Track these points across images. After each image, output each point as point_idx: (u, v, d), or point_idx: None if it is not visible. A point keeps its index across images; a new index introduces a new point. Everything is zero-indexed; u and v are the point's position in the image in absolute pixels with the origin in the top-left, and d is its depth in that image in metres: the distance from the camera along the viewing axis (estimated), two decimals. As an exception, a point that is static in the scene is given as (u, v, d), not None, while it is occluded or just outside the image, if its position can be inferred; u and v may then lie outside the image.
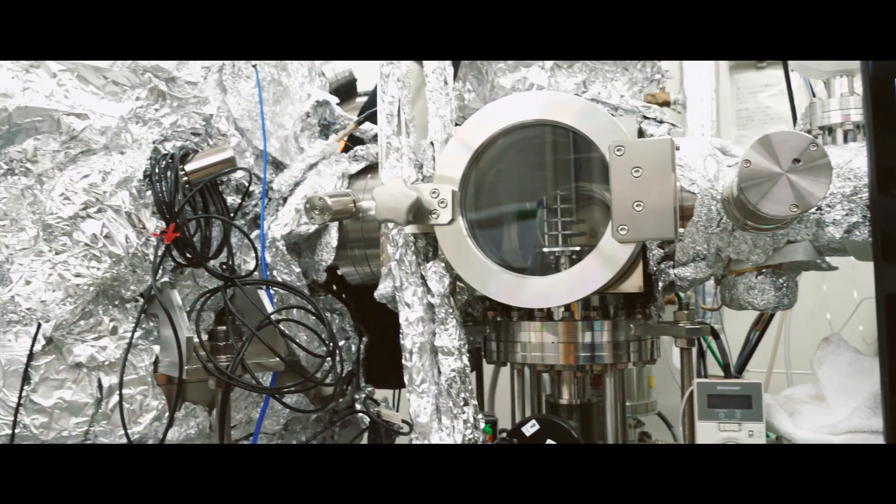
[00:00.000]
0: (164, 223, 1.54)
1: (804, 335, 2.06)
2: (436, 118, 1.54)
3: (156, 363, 1.58)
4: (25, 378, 1.47)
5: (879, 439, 1.39)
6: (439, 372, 1.52)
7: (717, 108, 2.71)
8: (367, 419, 1.95)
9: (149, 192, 1.55)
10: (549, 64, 1.63)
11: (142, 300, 1.58)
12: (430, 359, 1.52)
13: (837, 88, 1.59)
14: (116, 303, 1.56)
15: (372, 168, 1.82)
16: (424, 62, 1.56)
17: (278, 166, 1.82)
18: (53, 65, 1.49)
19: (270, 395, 1.69)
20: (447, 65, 1.55)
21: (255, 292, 1.63)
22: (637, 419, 2.38)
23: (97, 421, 1.53)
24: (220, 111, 1.66)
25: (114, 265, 1.51)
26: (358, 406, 1.92)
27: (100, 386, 1.52)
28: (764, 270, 1.51)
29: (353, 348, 1.91)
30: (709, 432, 1.46)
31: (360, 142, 1.96)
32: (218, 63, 1.65)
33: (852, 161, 1.42)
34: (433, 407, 1.51)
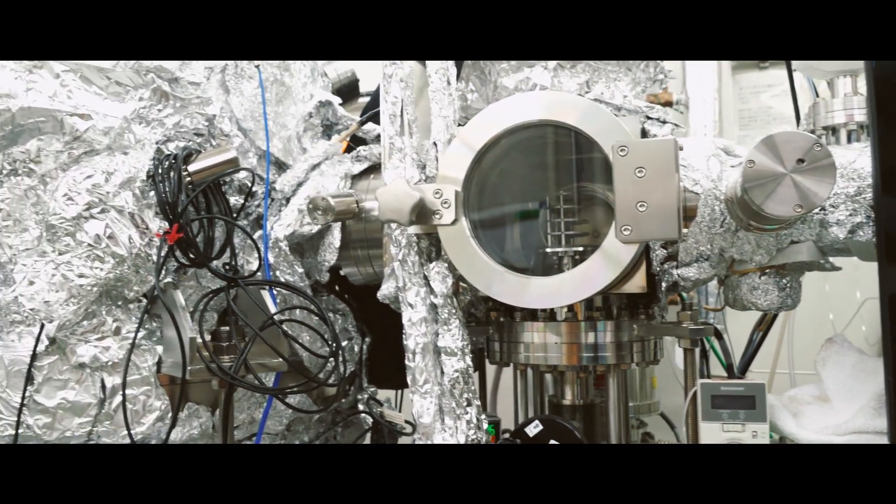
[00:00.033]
0: (167, 224, 1.54)
1: (807, 336, 2.06)
2: (439, 118, 1.54)
3: (159, 363, 1.58)
4: (29, 378, 1.47)
5: (883, 440, 1.38)
6: (442, 372, 1.52)
7: (720, 109, 2.71)
8: (369, 420, 1.95)
9: (152, 193, 1.55)
10: (552, 64, 1.63)
11: (145, 300, 1.58)
12: (433, 359, 1.52)
13: (841, 88, 1.59)
14: (120, 303, 1.56)
15: (375, 168, 1.82)
16: (427, 62, 1.56)
17: (281, 167, 1.82)
18: (57, 65, 1.49)
19: (273, 396, 1.69)
20: (450, 65, 1.55)
21: (258, 293, 1.64)
22: (640, 420, 2.38)
23: (100, 421, 1.53)
24: (223, 111, 1.66)
25: (117, 266, 1.51)
26: (361, 406, 1.92)
27: (103, 386, 1.52)
28: (767, 271, 1.51)
29: (356, 349, 1.90)
30: (712, 433, 1.46)
31: (363, 142, 1.95)
32: (221, 63, 1.65)
33: (856, 161, 1.42)
34: (436, 407, 1.51)
